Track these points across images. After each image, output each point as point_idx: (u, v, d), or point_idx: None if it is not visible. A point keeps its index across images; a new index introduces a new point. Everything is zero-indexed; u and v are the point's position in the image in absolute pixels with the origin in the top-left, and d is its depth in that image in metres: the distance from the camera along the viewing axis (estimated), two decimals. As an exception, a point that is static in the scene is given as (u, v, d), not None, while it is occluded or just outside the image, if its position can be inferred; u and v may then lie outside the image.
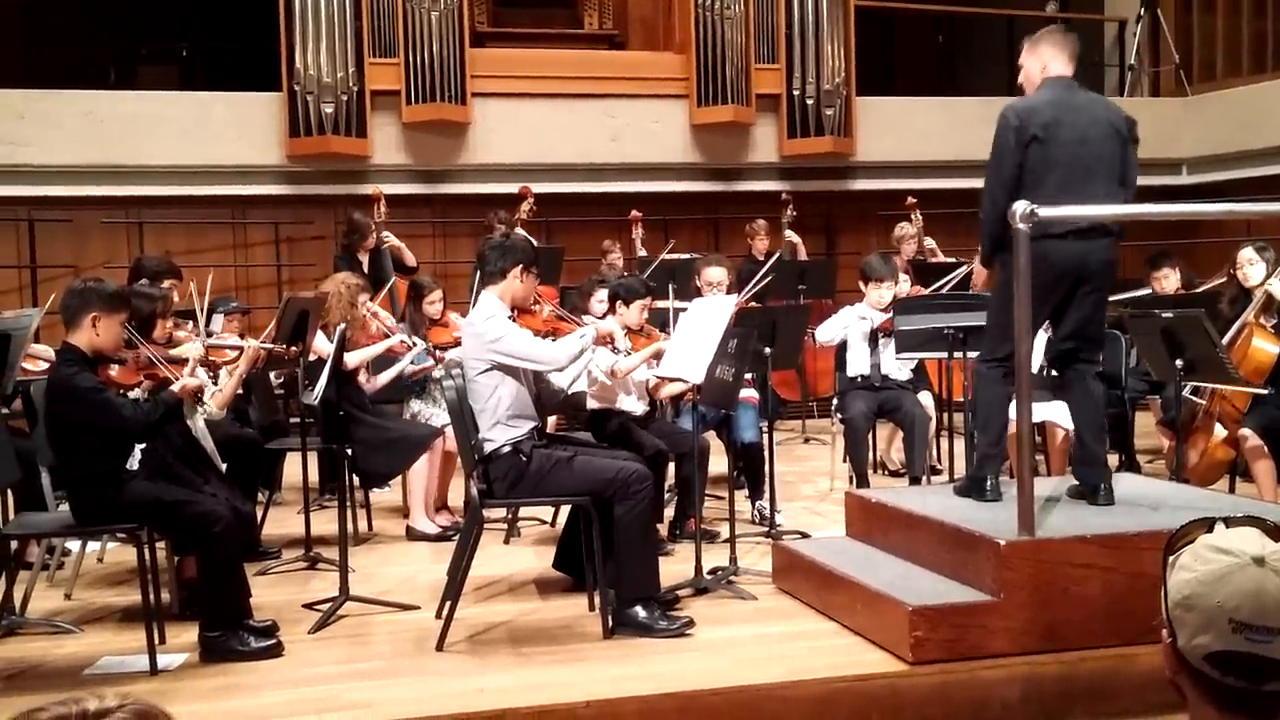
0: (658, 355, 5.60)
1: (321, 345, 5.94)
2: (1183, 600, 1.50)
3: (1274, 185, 10.32)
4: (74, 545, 5.55)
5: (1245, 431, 5.79)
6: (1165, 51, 12.16)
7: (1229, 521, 1.56)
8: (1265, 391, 5.77)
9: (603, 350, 5.58)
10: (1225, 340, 5.72)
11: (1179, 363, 5.49)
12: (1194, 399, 6.14)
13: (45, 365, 5.37)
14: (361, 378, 6.43)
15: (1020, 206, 4.13)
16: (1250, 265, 6.07)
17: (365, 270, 8.20)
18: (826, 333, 7.08)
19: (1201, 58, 12.17)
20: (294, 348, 5.46)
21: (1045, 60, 4.67)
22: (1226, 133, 11.35)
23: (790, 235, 9.81)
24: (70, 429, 4.30)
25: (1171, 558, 1.56)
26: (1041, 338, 6.03)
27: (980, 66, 13.55)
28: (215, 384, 5.42)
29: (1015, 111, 4.58)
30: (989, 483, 4.81)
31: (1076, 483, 4.88)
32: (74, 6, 11.09)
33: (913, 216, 9.36)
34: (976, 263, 5.12)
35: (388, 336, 6.47)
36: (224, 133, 10.07)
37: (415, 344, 6.63)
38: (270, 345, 5.44)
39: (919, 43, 14.03)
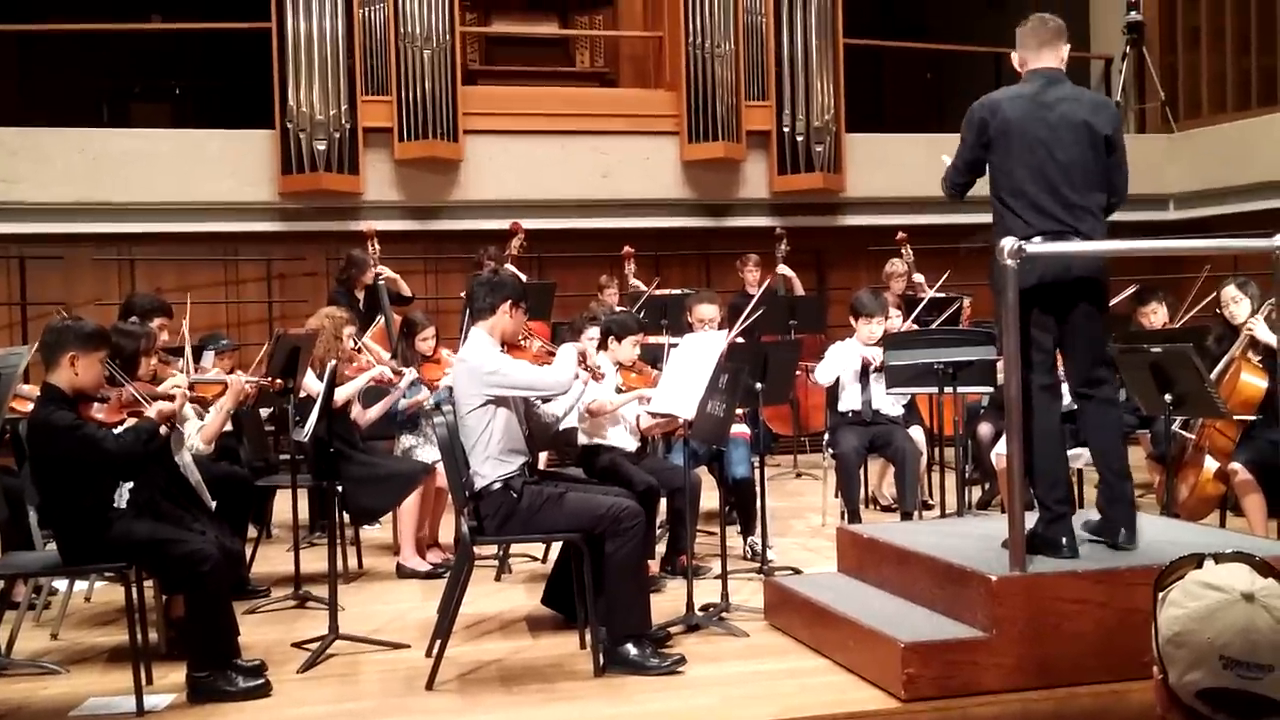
0: (643, 399, 5.61)
1: (311, 384, 5.93)
2: (1173, 637, 1.50)
3: (1260, 220, 10.38)
4: (61, 584, 5.51)
5: (1235, 465, 5.80)
6: (1151, 88, 12.27)
7: (1218, 558, 1.56)
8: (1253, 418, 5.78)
9: (593, 385, 5.57)
10: (1214, 375, 5.74)
11: (1168, 397, 5.50)
12: (1184, 433, 6.15)
13: (32, 406, 5.35)
14: (354, 411, 6.42)
15: (1008, 243, 4.14)
16: (1235, 303, 6.10)
17: (361, 306, 8.21)
18: (825, 373, 6.96)
19: (1187, 94, 12.28)
20: (280, 380, 5.44)
21: (1025, 55, 4.53)
22: (1212, 168, 11.44)
23: (784, 270, 9.83)
24: (54, 468, 4.27)
25: (1161, 594, 1.56)
26: None
27: (969, 103, 13.64)
28: (202, 420, 5.40)
29: (980, 106, 4.51)
30: (1064, 539, 4.37)
31: (1093, 518, 4.64)
32: (67, 44, 11.15)
33: (903, 251, 9.39)
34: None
35: (374, 371, 6.47)
36: (216, 170, 10.09)
37: (405, 373, 6.63)
38: (255, 379, 5.42)
39: (908, 80, 14.14)
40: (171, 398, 4.58)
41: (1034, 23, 4.55)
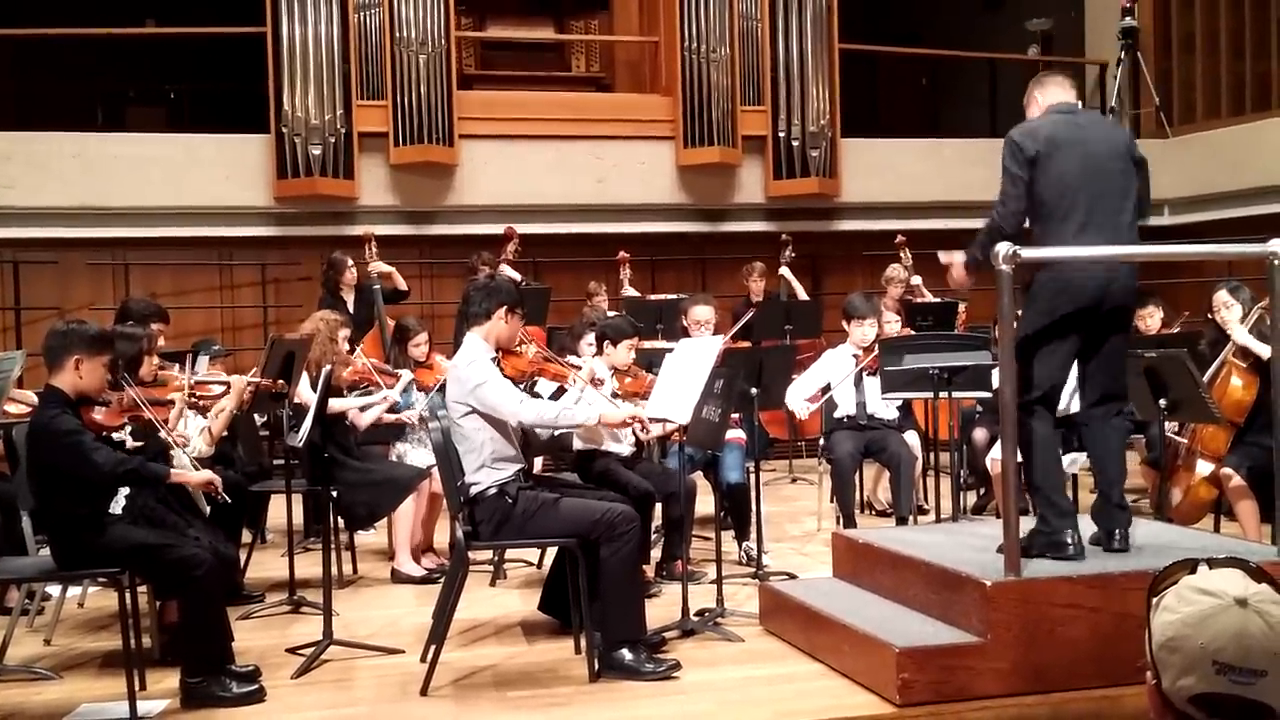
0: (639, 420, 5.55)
1: (305, 392, 5.92)
2: (1166, 642, 1.51)
3: (1254, 225, 10.40)
4: (54, 590, 5.50)
5: (1227, 470, 5.80)
6: (1146, 94, 12.29)
7: (1212, 563, 1.57)
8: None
9: (590, 391, 5.57)
10: (1205, 379, 5.75)
11: (1162, 402, 5.51)
12: (1177, 438, 6.16)
13: (27, 410, 5.34)
14: (350, 414, 6.41)
15: (1003, 248, 4.14)
16: (1226, 309, 6.10)
17: (351, 309, 8.21)
18: (795, 397, 6.68)
19: (1181, 100, 12.30)
20: (281, 380, 5.44)
21: (1047, 97, 4.62)
22: (1207, 174, 11.45)
23: (786, 273, 9.81)
24: (51, 473, 4.26)
25: (1155, 599, 1.56)
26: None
27: (963, 109, 13.67)
28: (205, 417, 5.39)
29: (1018, 132, 4.53)
30: (1070, 537, 4.41)
31: (1092, 530, 4.65)
32: (62, 48, 11.13)
33: (902, 255, 9.39)
34: (954, 260, 4.76)
35: (372, 373, 6.47)
36: (211, 174, 10.08)
37: (401, 375, 6.64)
38: (257, 379, 5.42)
39: (903, 85, 14.17)
40: (172, 402, 4.59)
41: (1045, 71, 4.78)
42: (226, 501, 4.77)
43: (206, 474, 4.58)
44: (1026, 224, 4.52)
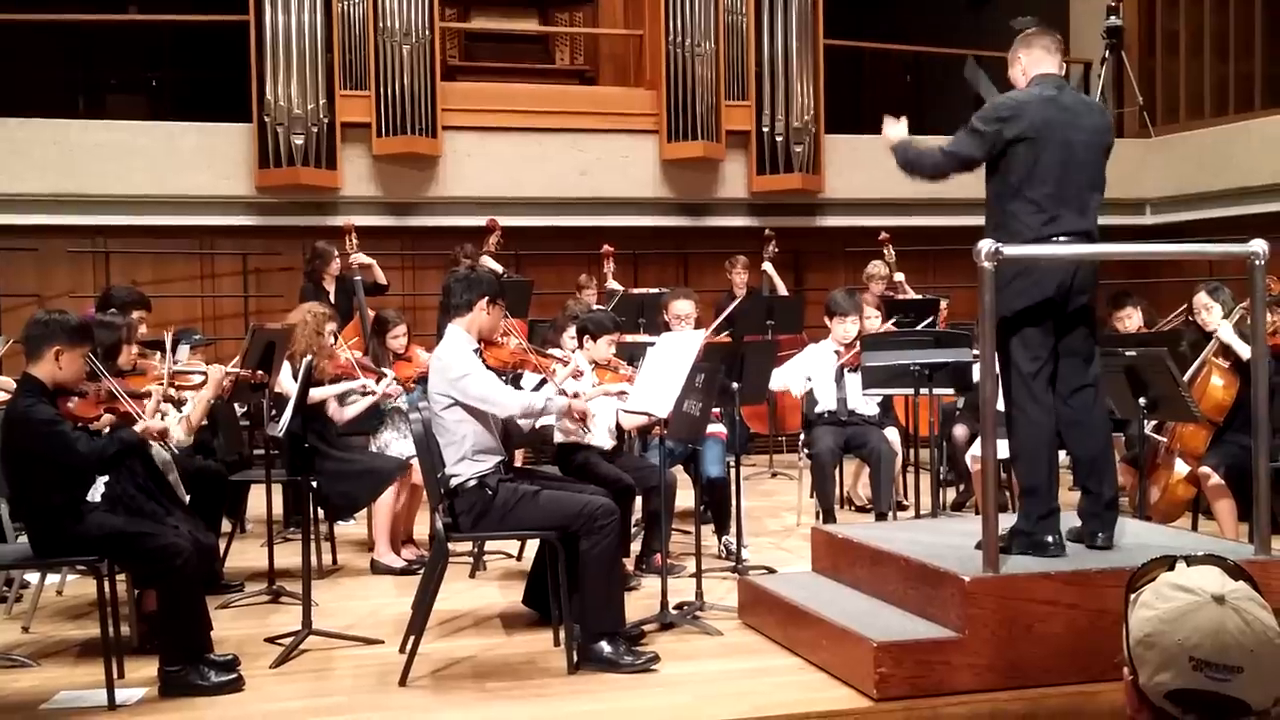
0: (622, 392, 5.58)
1: (286, 381, 5.90)
2: (1144, 638, 1.52)
3: (1236, 226, 10.46)
4: (33, 578, 5.47)
5: (1205, 470, 5.84)
6: (1129, 93, 12.34)
7: (1190, 560, 1.58)
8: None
9: (571, 383, 5.57)
10: (1185, 378, 5.78)
11: (1142, 400, 5.54)
12: (1156, 436, 6.19)
13: (5, 396, 5.31)
14: (331, 408, 6.39)
15: (985, 245, 4.15)
16: (1206, 310, 6.13)
17: (331, 299, 8.19)
18: (780, 380, 6.84)
19: (1165, 100, 12.36)
20: (260, 371, 5.42)
21: (1029, 61, 4.55)
22: (1189, 174, 11.52)
23: (768, 268, 9.83)
24: (27, 461, 4.25)
25: (1133, 595, 1.58)
26: None
27: (947, 106, 13.67)
28: (181, 410, 5.37)
29: (1006, 107, 4.43)
30: (1052, 538, 4.42)
31: (1074, 525, 4.64)
32: (43, 35, 11.05)
33: (885, 252, 9.41)
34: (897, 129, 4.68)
35: (355, 368, 6.45)
36: (193, 163, 10.03)
37: (386, 374, 6.62)
38: (236, 369, 5.40)
39: (887, 82, 14.18)
40: (149, 394, 4.57)
41: (1036, 30, 4.63)
42: (174, 453, 4.70)
43: (156, 421, 4.50)
44: (991, 201, 4.49)
